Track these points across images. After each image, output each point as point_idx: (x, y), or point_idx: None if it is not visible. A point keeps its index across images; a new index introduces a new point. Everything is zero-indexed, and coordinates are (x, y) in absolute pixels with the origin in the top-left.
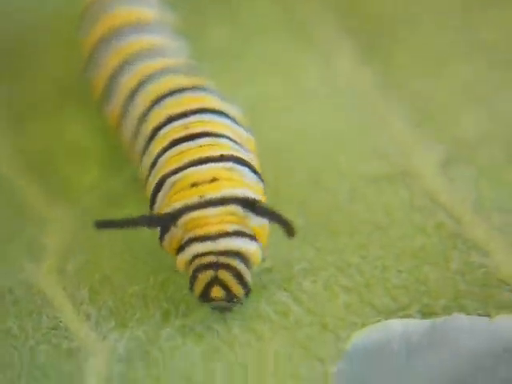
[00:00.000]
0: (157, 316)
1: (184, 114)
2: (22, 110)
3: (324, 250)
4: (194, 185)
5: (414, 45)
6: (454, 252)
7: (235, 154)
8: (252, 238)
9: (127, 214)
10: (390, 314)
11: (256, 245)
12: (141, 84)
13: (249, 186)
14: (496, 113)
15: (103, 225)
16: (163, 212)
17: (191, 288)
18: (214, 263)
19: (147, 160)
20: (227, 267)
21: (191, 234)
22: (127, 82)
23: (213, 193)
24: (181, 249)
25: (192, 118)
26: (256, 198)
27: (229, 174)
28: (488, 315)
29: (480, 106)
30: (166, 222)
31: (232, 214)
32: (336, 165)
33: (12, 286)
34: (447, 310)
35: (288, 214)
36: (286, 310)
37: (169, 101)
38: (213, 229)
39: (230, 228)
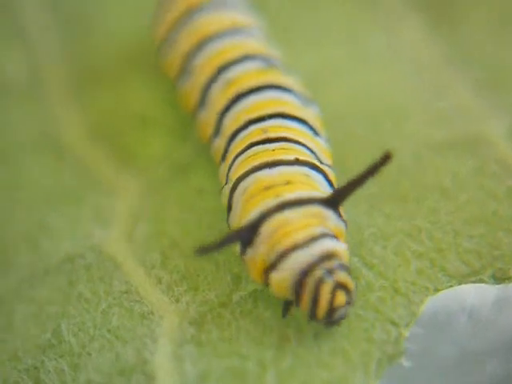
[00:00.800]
0: (228, 280)
1: (262, 118)
2: (88, 78)
3: (393, 215)
4: (267, 188)
5: (481, 15)
6: None
7: (310, 160)
8: (336, 238)
9: (195, 182)
10: (462, 278)
11: (344, 245)
12: (220, 71)
13: (322, 192)
14: None
15: (203, 251)
16: (243, 224)
17: (312, 311)
18: (324, 273)
19: (225, 165)
20: (337, 271)
21: (279, 248)
22: (205, 65)
23: (287, 194)
24: (272, 267)
25: (271, 122)
26: (334, 193)
27: (304, 178)
28: None
29: None
30: (248, 232)
31: (313, 215)
32: (402, 131)
33: (83, 251)
34: None
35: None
36: (357, 274)
37: (248, 101)
38: (299, 236)
39: (316, 231)
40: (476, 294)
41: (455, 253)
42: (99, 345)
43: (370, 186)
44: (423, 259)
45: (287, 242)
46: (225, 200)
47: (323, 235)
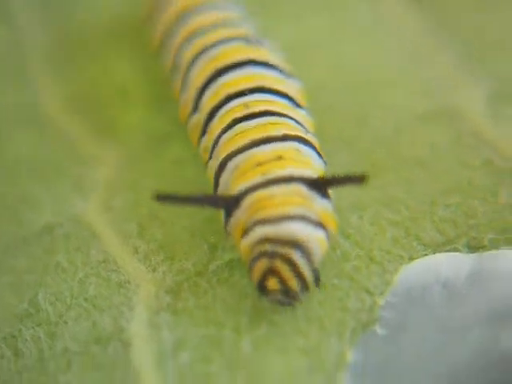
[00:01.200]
0: (205, 249)
1: (243, 93)
2: (70, 50)
3: (369, 185)
4: (258, 164)
5: None
6: (501, 187)
7: (299, 133)
8: (317, 224)
9: (173, 153)
10: (437, 247)
11: (321, 233)
12: (203, 51)
13: (314, 168)
14: None
15: (164, 198)
16: (227, 194)
17: (251, 277)
18: (270, 252)
19: (207, 140)
20: (284, 258)
21: (255, 217)
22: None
23: (277, 170)
24: (244, 234)
25: (252, 97)
26: (324, 179)
27: (295, 153)
28: None
29: None
30: (230, 204)
31: (297, 194)
32: (382, 102)
33: (61, 221)
34: (495, 244)
35: (333, 150)
36: (333, 244)
37: (228, 77)
38: (276, 211)
39: (293, 211)
40: (450, 263)
41: (430, 222)
42: (76, 313)
43: (347, 157)
44: (399, 228)
45: (262, 214)
46: (211, 175)
47: (300, 218)
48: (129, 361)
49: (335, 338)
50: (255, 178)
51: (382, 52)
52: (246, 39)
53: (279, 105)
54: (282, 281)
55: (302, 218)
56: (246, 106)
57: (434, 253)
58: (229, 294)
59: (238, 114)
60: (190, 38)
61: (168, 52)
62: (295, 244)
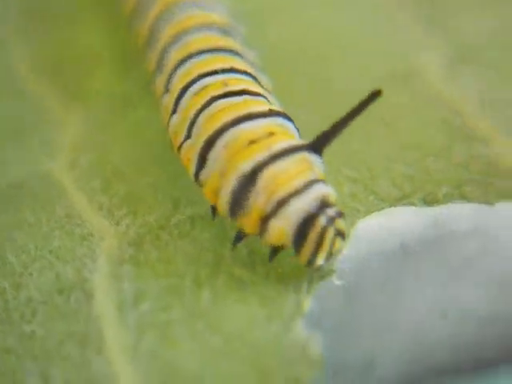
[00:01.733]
0: (167, 204)
1: (215, 72)
2: (39, 14)
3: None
4: (252, 142)
5: None
6: (457, 144)
7: (280, 109)
8: (325, 182)
9: (140, 115)
10: (393, 202)
11: (332, 189)
12: (179, 36)
13: (298, 140)
14: (503, 17)
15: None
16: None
17: (312, 258)
18: (329, 218)
19: (181, 119)
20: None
21: (276, 196)
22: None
23: (277, 144)
24: (271, 215)
25: (227, 76)
26: (320, 139)
27: (282, 128)
28: (489, 203)
29: (488, 10)
30: (246, 184)
31: (303, 162)
32: (345, 64)
33: (28, 178)
34: (449, 198)
35: (298, 113)
36: None
37: (197, 60)
38: (295, 182)
39: (309, 177)
40: (406, 217)
41: (388, 178)
42: (40, 265)
43: (312, 119)
44: (356, 183)
45: (285, 190)
46: (191, 155)
47: (316, 181)
48: (91, 310)
49: (293, 289)
50: (260, 154)
51: (344, 16)
52: (223, 29)
53: (254, 85)
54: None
55: (317, 181)
56: (224, 84)
57: (391, 207)
58: (190, 247)
59: (217, 92)
60: (167, 13)
61: (143, 20)
62: (329, 202)
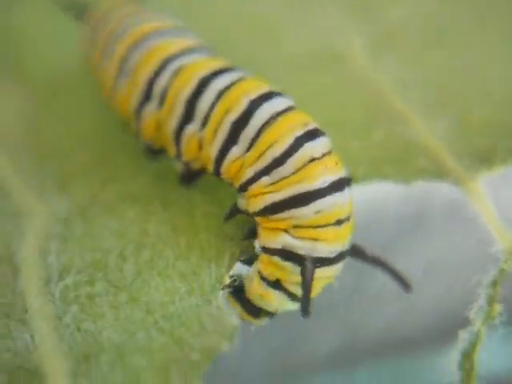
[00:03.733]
0: (96, 182)
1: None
2: None
3: None
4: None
5: None
6: (375, 124)
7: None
8: None
9: (80, 95)
10: None
11: None
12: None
13: None
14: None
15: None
16: None
17: None
18: None
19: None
20: None
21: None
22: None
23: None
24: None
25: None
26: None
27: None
28: (406, 181)
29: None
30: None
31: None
32: (276, 46)
33: None
34: (367, 178)
35: None
36: None
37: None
38: None
39: None
40: None
41: None
42: None
43: None
44: None
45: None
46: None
47: None
48: (17, 284)
49: (214, 262)
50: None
51: (269, 5)
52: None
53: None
54: None
55: None
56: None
57: None
58: (116, 223)
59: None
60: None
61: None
62: None
